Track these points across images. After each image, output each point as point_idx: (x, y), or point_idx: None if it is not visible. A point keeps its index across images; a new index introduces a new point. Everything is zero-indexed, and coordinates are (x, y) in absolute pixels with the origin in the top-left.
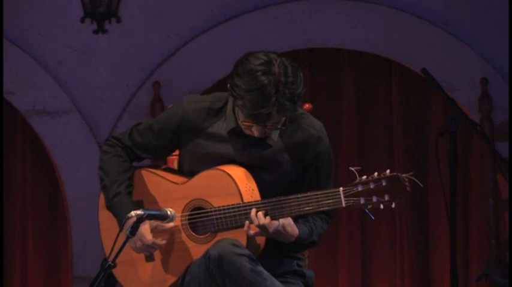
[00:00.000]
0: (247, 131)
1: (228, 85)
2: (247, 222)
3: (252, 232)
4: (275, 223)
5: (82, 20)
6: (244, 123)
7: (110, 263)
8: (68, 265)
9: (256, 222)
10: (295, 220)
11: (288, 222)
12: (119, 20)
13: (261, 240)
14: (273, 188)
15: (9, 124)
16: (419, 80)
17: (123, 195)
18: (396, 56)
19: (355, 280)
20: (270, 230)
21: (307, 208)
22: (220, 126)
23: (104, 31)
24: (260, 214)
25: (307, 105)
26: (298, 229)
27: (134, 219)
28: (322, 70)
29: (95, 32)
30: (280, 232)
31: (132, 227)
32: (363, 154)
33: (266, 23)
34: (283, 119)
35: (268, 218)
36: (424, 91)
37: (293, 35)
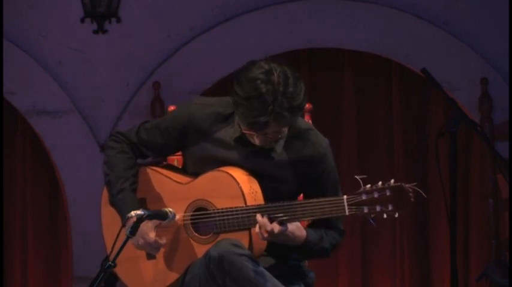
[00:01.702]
0: (251, 140)
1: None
2: (256, 229)
3: (266, 235)
4: (283, 228)
5: (82, 20)
6: (245, 131)
7: (110, 263)
8: (68, 265)
9: (263, 228)
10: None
11: (296, 226)
12: (119, 20)
13: (263, 243)
14: (271, 199)
15: (9, 124)
16: (419, 80)
17: (127, 192)
18: (396, 56)
19: (356, 280)
20: (278, 235)
21: (310, 214)
22: (227, 133)
23: (104, 31)
24: (265, 220)
25: (307, 105)
26: (306, 232)
27: (134, 219)
28: (322, 70)
29: (95, 32)
30: (289, 236)
31: (132, 228)
32: (363, 154)
33: (266, 23)
34: (284, 128)
35: (275, 224)
36: (424, 91)
37: (293, 35)
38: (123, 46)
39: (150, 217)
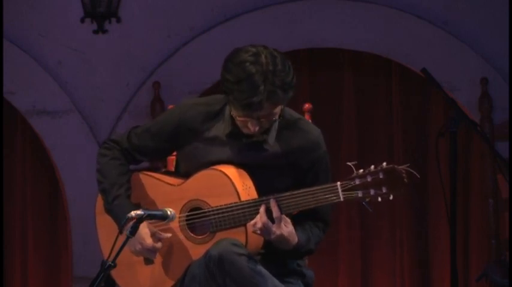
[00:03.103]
0: (244, 130)
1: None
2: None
3: (259, 225)
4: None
5: (82, 20)
6: (238, 119)
7: (110, 263)
8: (68, 265)
9: (259, 224)
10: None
11: (289, 231)
12: (119, 20)
13: (260, 240)
14: (266, 191)
15: (9, 124)
16: (419, 80)
17: (122, 198)
18: (396, 56)
19: (355, 280)
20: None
21: (305, 204)
22: (218, 129)
23: (104, 31)
24: (264, 217)
25: (307, 105)
26: (297, 237)
27: (134, 219)
28: (322, 70)
29: (95, 32)
30: (283, 237)
31: (132, 227)
32: (363, 154)
33: (266, 23)
34: (276, 109)
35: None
36: (424, 91)
37: (293, 35)
38: (123, 46)
39: (150, 216)
